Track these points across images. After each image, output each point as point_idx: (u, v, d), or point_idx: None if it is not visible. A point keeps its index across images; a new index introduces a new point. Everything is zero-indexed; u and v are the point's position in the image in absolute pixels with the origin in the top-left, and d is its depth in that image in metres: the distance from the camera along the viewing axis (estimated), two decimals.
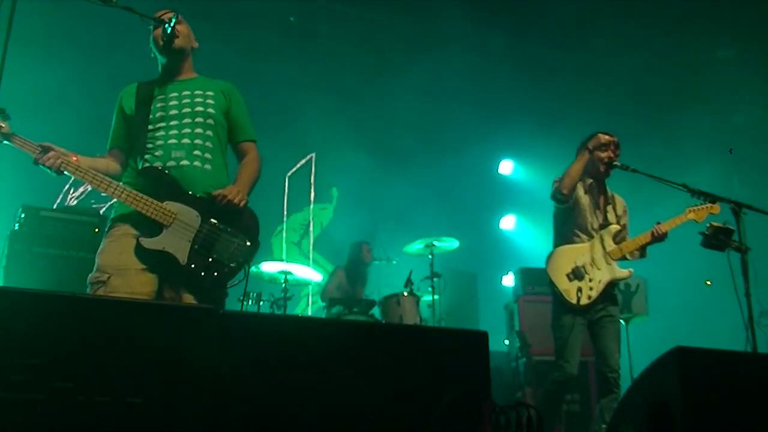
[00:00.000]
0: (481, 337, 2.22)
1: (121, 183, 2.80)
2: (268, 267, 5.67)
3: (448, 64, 8.05)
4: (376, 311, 5.88)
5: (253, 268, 5.60)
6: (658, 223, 4.17)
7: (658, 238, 4.14)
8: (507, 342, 6.43)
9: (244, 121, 3.16)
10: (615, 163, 4.23)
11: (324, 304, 6.16)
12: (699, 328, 6.79)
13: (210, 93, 3.06)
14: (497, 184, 9.04)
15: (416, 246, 6.29)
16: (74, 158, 2.75)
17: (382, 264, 6.72)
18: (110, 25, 5.98)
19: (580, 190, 4.33)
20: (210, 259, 2.80)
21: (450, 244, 6.34)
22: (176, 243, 2.76)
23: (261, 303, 5.61)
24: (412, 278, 5.95)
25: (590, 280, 4.09)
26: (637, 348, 5.73)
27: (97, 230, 4.77)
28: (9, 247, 4.62)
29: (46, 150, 2.69)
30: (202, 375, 1.76)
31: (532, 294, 6.06)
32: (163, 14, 2.97)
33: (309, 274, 5.94)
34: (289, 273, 5.68)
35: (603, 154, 4.24)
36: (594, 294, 4.07)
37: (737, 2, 7.24)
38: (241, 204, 2.90)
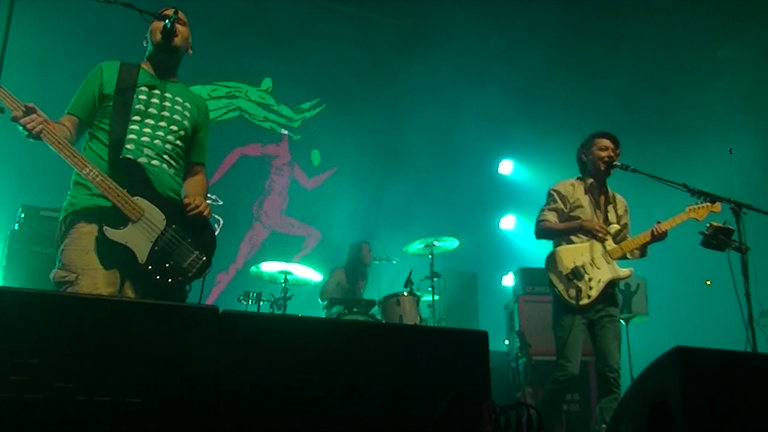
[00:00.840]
0: (481, 337, 2.22)
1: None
2: (268, 267, 5.67)
3: (449, 64, 8.05)
4: (376, 311, 5.88)
5: (252, 268, 5.67)
6: (658, 222, 4.16)
7: (658, 237, 4.12)
8: (507, 342, 6.43)
9: (205, 143, 3.19)
10: (615, 162, 4.23)
11: (324, 303, 6.16)
12: (699, 328, 6.79)
13: (187, 105, 3.06)
14: (497, 184, 9.05)
15: (416, 246, 6.29)
16: (53, 127, 2.67)
17: (382, 264, 6.71)
18: (110, 24, 5.97)
19: (580, 191, 4.33)
20: (167, 265, 2.76)
21: (450, 244, 6.34)
22: (139, 240, 2.72)
23: (261, 303, 5.62)
24: (412, 278, 5.94)
25: (590, 280, 4.08)
26: (637, 348, 5.73)
27: None
28: (9, 247, 4.62)
29: (30, 111, 2.61)
30: (202, 375, 1.76)
31: (532, 294, 6.06)
32: (167, 10, 2.97)
33: (309, 274, 5.93)
34: (289, 273, 5.67)
35: (603, 154, 4.24)
36: (594, 293, 4.06)
37: (737, 2, 7.24)
38: (209, 215, 2.92)
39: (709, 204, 4.11)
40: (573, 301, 4.05)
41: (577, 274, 4.10)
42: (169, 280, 2.76)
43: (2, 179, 5.66)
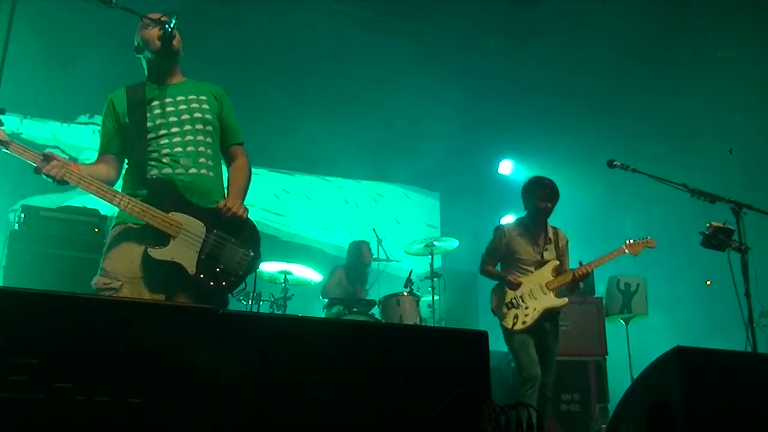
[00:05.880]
0: (481, 337, 2.22)
1: (126, 194, 2.78)
2: (268, 267, 5.67)
3: (449, 64, 8.04)
4: (376, 311, 5.88)
5: None
6: (580, 263, 4.47)
7: (580, 278, 4.46)
8: None
9: (234, 124, 3.18)
10: (616, 163, 4.27)
11: (324, 301, 6.16)
12: (699, 328, 6.79)
13: (203, 98, 3.05)
14: (497, 184, 9.05)
15: (416, 246, 6.29)
16: (75, 168, 2.72)
17: (382, 264, 6.71)
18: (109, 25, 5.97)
19: (518, 231, 4.69)
20: (218, 269, 2.82)
21: (450, 244, 6.34)
22: (184, 253, 2.77)
23: (261, 303, 5.62)
24: (412, 278, 5.94)
25: (526, 308, 4.44)
26: (637, 348, 5.73)
27: (97, 230, 4.77)
28: (9, 247, 4.62)
29: (48, 159, 2.66)
30: (202, 375, 1.76)
31: None
32: (160, 16, 2.96)
33: (309, 274, 5.93)
34: (289, 273, 5.67)
35: (546, 205, 4.58)
36: (529, 320, 4.40)
37: (737, 2, 7.24)
38: (244, 216, 2.94)
39: (645, 240, 4.53)
40: (509, 327, 4.42)
41: (515, 303, 4.47)
42: (224, 283, 2.83)
43: (2, 179, 5.66)
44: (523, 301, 4.46)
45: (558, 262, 4.58)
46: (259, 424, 1.80)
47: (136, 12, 2.89)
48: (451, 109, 8.14)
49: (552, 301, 4.45)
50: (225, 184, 3.09)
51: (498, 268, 4.71)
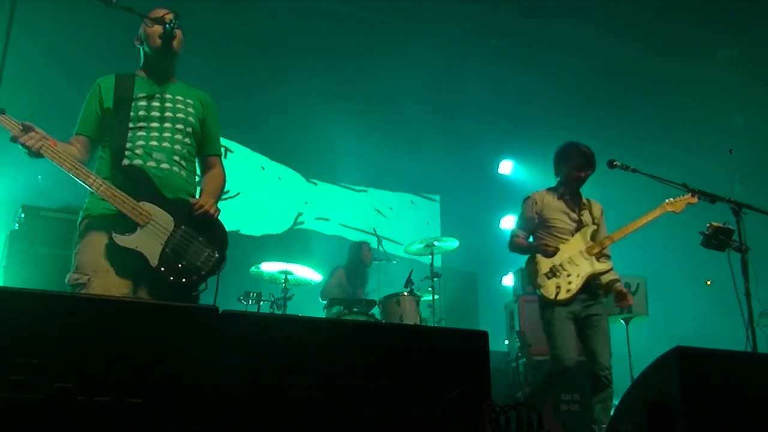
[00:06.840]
0: (481, 337, 2.22)
1: (99, 176, 2.75)
2: (268, 267, 5.67)
3: (448, 64, 8.04)
4: (376, 311, 5.87)
5: (252, 268, 5.67)
6: (620, 289, 4.22)
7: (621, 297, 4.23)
8: (507, 342, 6.43)
9: (215, 134, 3.19)
10: (615, 163, 4.25)
11: (324, 302, 6.16)
12: (699, 328, 6.79)
13: (190, 101, 3.06)
14: (497, 184, 9.05)
15: (416, 246, 6.29)
16: (53, 143, 2.69)
17: (382, 264, 6.71)
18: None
19: (551, 198, 4.40)
20: (180, 265, 2.78)
21: (450, 244, 6.34)
22: (149, 244, 2.74)
23: (261, 303, 5.62)
24: (412, 278, 5.95)
25: (568, 275, 4.17)
26: (637, 348, 5.73)
27: None
28: (9, 247, 4.62)
29: (27, 129, 2.63)
30: (202, 375, 1.76)
31: (532, 294, 6.05)
32: (164, 14, 2.97)
33: (309, 274, 5.93)
34: (289, 273, 5.67)
35: (580, 174, 4.31)
36: (573, 288, 4.13)
37: (737, 2, 7.24)
38: (216, 215, 2.93)
39: (687, 196, 4.20)
40: (551, 297, 4.12)
41: (555, 271, 4.19)
42: (183, 280, 2.78)
43: (2, 179, 5.66)
44: (564, 269, 4.18)
45: (595, 227, 4.32)
46: (259, 424, 1.80)
47: (136, 12, 2.89)
48: (451, 108, 8.15)
49: (595, 265, 4.18)
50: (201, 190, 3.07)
51: (536, 229, 4.43)
